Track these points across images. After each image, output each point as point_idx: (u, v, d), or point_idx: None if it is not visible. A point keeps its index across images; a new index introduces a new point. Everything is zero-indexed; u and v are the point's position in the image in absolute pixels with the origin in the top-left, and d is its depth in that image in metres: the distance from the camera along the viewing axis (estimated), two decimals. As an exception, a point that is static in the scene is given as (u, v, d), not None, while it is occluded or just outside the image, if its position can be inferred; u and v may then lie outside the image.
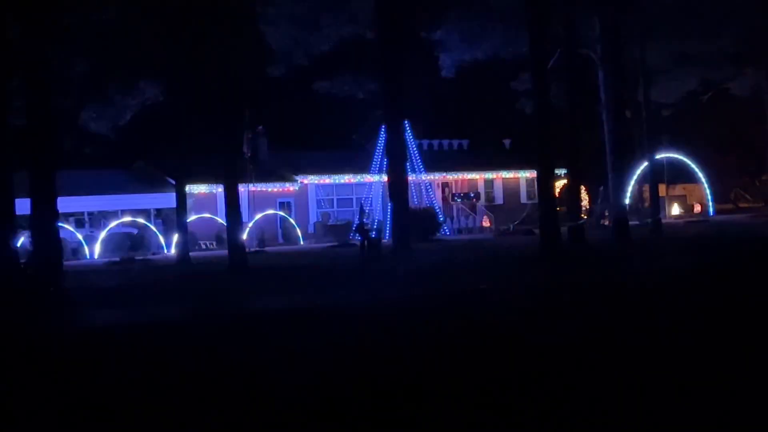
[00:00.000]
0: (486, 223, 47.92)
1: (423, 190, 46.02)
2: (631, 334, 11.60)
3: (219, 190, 36.75)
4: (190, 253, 33.87)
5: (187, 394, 9.28)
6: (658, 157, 43.19)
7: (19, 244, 26.28)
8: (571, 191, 31.53)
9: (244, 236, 32.93)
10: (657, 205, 39.62)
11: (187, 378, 10.14)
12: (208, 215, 41.95)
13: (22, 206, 23.22)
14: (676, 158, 50.91)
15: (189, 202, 35.76)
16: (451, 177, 49.93)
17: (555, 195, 28.73)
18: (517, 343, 11.37)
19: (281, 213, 45.31)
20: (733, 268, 20.10)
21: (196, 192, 41.90)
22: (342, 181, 47.33)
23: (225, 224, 32.21)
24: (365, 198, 44.61)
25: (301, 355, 11.33)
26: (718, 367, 9.18)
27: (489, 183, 51.00)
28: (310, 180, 46.53)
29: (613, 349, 10.56)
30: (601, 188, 41.88)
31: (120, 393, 9.49)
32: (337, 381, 9.52)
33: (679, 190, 53.56)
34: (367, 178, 46.27)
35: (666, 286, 17.41)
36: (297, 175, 46.13)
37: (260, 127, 45.67)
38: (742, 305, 13.61)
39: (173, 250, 36.23)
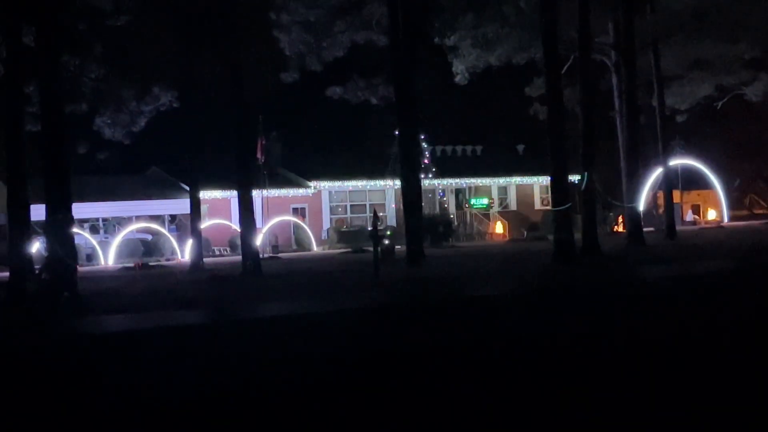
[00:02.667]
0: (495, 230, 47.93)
1: (436, 196, 45.99)
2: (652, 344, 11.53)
3: (233, 195, 36.79)
4: (204, 259, 33.92)
5: (198, 398, 9.27)
6: (672, 163, 43.07)
7: (34, 250, 26.41)
8: (584, 197, 31.37)
9: (258, 242, 32.97)
10: (671, 211, 39.48)
11: (198, 382, 10.14)
12: (221, 221, 42.02)
13: (37, 212, 23.32)
14: (691, 164, 50.74)
15: (203, 207, 35.81)
16: (464, 183, 49.89)
17: (568, 202, 28.61)
18: (523, 349, 11.31)
19: (295, 219, 45.34)
20: (748, 275, 19.99)
21: (209, 198, 41.97)
22: (356, 187, 47.33)
23: (239, 230, 32.26)
24: (379, 204, 44.62)
25: (306, 359, 11.31)
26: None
27: (502, 189, 50.94)
28: (324, 186, 46.56)
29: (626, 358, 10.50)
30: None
31: (134, 398, 9.49)
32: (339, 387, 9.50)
33: (693, 196, 53.38)
34: (381, 184, 46.27)
35: (679, 294, 17.33)
36: (310, 181, 46.17)
37: (274, 133, 45.77)
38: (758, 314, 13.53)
39: (187, 256, 36.29)
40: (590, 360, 10.26)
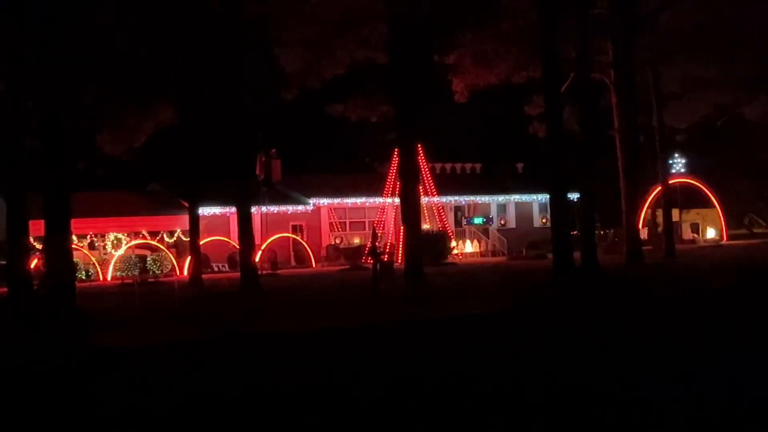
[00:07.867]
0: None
1: (435, 214, 45.96)
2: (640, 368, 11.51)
3: (232, 212, 36.77)
4: (203, 276, 33.86)
5: (197, 415, 9.24)
6: (671, 181, 43.08)
7: (32, 266, 26.38)
8: (584, 215, 31.38)
9: (257, 259, 32.92)
10: (670, 229, 39.46)
11: (195, 397, 10.10)
12: (220, 237, 41.97)
13: (36, 228, 23.31)
14: (690, 183, 50.75)
15: (202, 224, 35.76)
16: (463, 200, 49.88)
17: (568, 219, 28.59)
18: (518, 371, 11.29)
19: (294, 236, 45.31)
20: (748, 294, 19.97)
21: (208, 214, 41.93)
22: (355, 204, 47.31)
23: (237, 246, 32.22)
24: (378, 221, 44.59)
25: (297, 378, 11.29)
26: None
27: (502, 207, 50.92)
28: (323, 203, 46.55)
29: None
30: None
31: (132, 414, 9.46)
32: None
33: (692, 215, 53.35)
34: (380, 201, 46.25)
35: (682, 311, 17.31)
36: (310, 197, 46.16)
37: (273, 150, 45.79)
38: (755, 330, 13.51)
39: (186, 273, 36.22)
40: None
